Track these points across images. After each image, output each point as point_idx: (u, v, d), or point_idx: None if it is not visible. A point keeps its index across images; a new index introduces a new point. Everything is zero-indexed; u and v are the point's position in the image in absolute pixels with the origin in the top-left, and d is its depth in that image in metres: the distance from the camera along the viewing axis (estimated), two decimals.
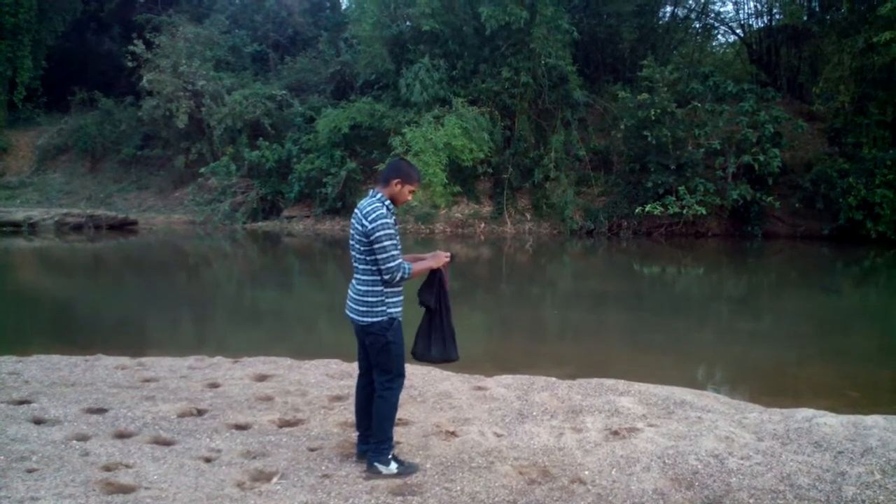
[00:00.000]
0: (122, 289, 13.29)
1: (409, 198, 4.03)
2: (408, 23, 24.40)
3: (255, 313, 11.23)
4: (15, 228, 21.80)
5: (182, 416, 4.83)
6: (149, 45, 25.87)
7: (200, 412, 4.92)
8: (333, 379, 5.85)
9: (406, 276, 3.83)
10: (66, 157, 29.54)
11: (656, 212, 20.56)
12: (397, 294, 3.93)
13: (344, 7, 31.69)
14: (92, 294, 12.71)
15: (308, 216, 23.71)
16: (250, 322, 10.31)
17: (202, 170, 24.59)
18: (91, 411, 4.87)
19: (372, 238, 3.74)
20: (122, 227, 23.33)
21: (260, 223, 23.81)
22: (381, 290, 3.85)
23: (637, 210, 20.96)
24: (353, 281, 3.97)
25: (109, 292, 12.82)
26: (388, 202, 3.88)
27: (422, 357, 4.18)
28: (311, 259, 18.98)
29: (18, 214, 22.54)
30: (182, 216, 25.23)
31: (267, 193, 24.33)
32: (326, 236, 21.69)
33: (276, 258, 19.26)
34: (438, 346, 4.14)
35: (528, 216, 23.01)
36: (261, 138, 24.23)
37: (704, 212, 20.41)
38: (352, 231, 3.92)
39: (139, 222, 24.15)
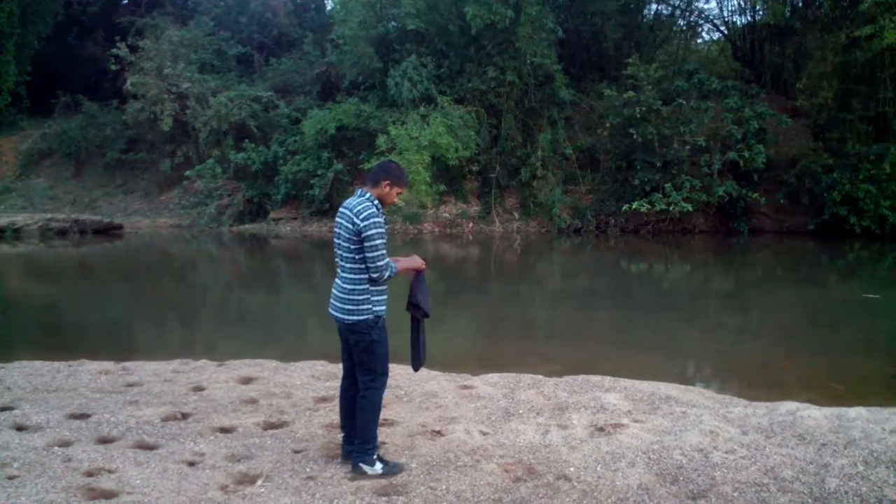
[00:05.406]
0: (106, 294, 13.19)
1: (396, 200, 4.06)
2: (393, 23, 24.39)
3: (241, 316, 11.17)
4: None
5: (166, 420, 4.79)
6: (133, 48, 25.69)
7: (184, 416, 4.88)
8: (319, 380, 5.83)
9: (392, 274, 3.86)
10: (50, 162, 29.26)
11: (643, 209, 20.64)
12: (382, 292, 3.94)
13: (329, 8, 31.63)
14: (76, 299, 12.60)
15: (295, 218, 23.61)
16: (236, 325, 10.26)
17: (188, 173, 24.43)
18: (74, 417, 4.83)
19: (363, 236, 3.75)
20: (108, 231, 23.17)
21: (247, 226, 23.68)
22: (367, 289, 3.86)
23: (624, 207, 21.03)
24: (338, 280, 3.97)
25: (94, 297, 12.72)
26: (376, 202, 3.89)
27: (417, 366, 4.22)
28: (298, 261, 18.92)
29: (2, 220, 22.25)
30: (168, 220, 25.09)
31: (253, 196, 24.20)
32: (314, 238, 21.62)
33: (263, 260, 19.18)
34: (423, 352, 4.17)
35: (516, 215, 23.03)
36: (247, 140, 24.10)
37: (691, 208, 20.50)
38: (337, 230, 3.91)
39: (125, 226, 24.00)
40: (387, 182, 3.91)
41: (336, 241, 3.94)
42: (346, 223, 3.84)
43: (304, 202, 23.25)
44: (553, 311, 11.63)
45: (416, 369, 4.26)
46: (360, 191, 3.95)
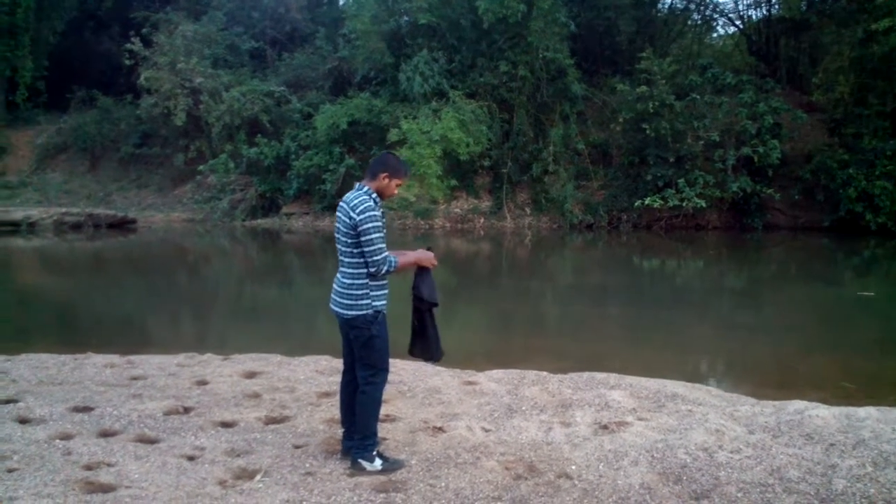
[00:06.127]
0: (118, 287, 13.26)
1: (396, 192, 4.00)
2: (405, 17, 24.34)
3: (249, 310, 11.20)
4: (14, 228, 21.75)
5: (168, 413, 4.78)
6: (147, 42, 25.82)
7: (187, 410, 4.87)
8: (323, 375, 5.81)
9: (392, 269, 3.79)
10: (65, 157, 29.53)
11: (656, 205, 20.49)
12: (382, 287, 3.89)
13: (342, 2, 31.61)
14: (88, 292, 12.68)
15: (307, 213, 23.68)
16: (244, 319, 10.28)
17: (201, 167, 24.58)
18: (77, 410, 4.83)
19: (360, 230, 3.70)
20: (122, 225, 23.33)
21: (259, 220, 23.78)
22: (366, 283, 3.81)
23: (636, 203, 20.89)
24: (338, 274, 3.93)
25: (105, 291, 12.79)
26: (374, 195, 3.84)
27: (437, 357, 4.15)
28: (309, 255, 18.94)
29: (17, 214, 22.50)
30: (181, 214, 25.23)
31: (266, 190, 24.30)
32: (326, 233, 21.62)
33: (275, 255, 19.22)
34: (438, 343, 4.11)
35: (528, 210, 22.96)
36: (259, 135, 24.20)
37: (704, 204, 20.33)
38: (337, 224, 3.89)
39: (138, 221, 24.15)
40: (385, 174, 3.86)
41: (336, 235, 3.91)
42: (343, 217, 3.80)
43: (316, 197, 23.30)
44: (563, 308, 11.56)
45: (436, 360, 4.18)
46: (358, 185, 3.92)
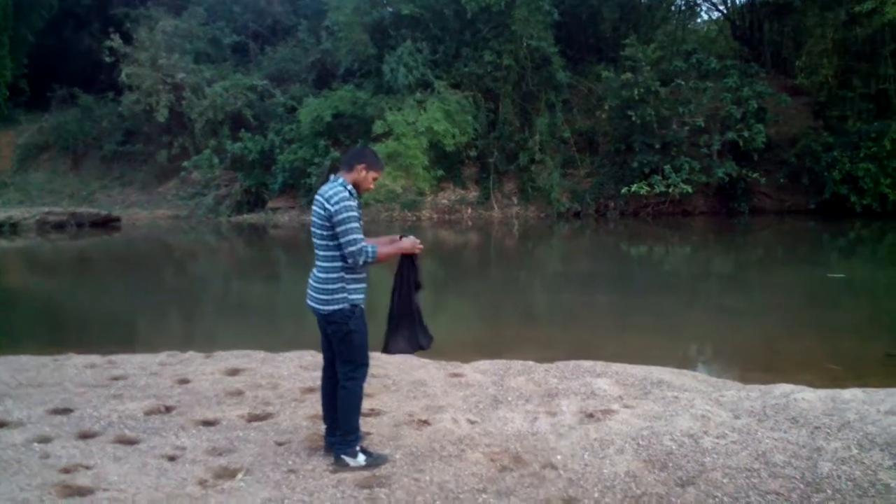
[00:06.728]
0: (101, 286, 13.13)
1: (372, 185, 3.93)
2: (388, 8, 24.17)
3: (234, 307, 11.10)
4: None
5: (149, 413, 4.71)
6: (127, 39, 25.50)
7: (168, 409, 4.80)
8: (307, 371, 5.74)
9: (370, 259, 3.69)
10: (47, 156, 29.17)
11: (642, 191, 20.51)
12: (359, 281, 3.81)
13: None
14: (71, 292, 12.55)
15: (293, 207, 23.51)
16: (229, 316, 10.20)
17: (185, 164, 24.36)
18: (56, 412, 4.74)
19: (335, 221, 3.63)
20: (105, 224, 23.09)
21: (245, 216, 23.61)
22: (342, 277, 3.74)
23: (623, 190, 20.90)
24: (314, 269, 3.86)
25: (89, 290, 12.67)
26: (350, 187, 3.77)
27: (427, 344, 4.09)
28: (295, 250, 18.79)
29: None
30: (166, 211, 25.01)
31: (251, 185, 24.11)
32: None
33: (261, 250, 19.10)
34: (425, 330, 4.05)
35: (515, 200, 22.92)
36: (243, 130, 23.97)
37: (690, 190, 20.37)
38: (313, 217, 3.81)
39: (122, 219, 23.92)
40: (362, 165, 3.79)
41: (312, 229, 3.83)
42: (318, 209, 3.73)
43: (302, 191, 23.12)
44: (551, 296, 11.55)
45: (426, 348, 4.10)
46: (333, 177, 3.85)
